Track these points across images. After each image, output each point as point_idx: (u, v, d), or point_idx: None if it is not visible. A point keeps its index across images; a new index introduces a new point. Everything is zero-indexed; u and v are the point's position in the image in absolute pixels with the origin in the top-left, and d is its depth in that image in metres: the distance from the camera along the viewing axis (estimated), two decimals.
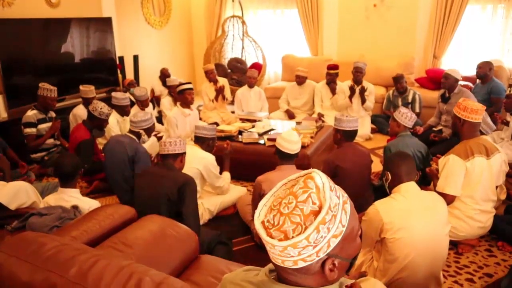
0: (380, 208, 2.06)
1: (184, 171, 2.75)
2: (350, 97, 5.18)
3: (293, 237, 0.85)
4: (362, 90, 5.13)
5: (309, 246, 0.85)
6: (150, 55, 6.95)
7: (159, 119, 5.53)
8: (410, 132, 3.37)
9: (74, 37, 5.28)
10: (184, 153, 2.73)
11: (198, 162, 3.06)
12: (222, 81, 5.69)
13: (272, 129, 4.34)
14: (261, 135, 4.14)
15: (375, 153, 4.67)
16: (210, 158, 3.17)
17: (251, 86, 5.51)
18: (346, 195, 0.93)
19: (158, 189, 2.51)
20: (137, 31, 6.66)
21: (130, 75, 6.32)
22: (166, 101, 5.45)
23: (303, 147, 3.29)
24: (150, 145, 4.00)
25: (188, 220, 2.38)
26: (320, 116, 5.27)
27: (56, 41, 5.07)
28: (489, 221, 2.74)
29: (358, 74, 5.12)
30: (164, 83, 5.91)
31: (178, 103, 4.40)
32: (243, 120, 4.84)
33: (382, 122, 5.41)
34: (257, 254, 2.79)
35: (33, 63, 4.74)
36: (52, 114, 4.33)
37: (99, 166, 3.68)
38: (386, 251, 2.05)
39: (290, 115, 5.55)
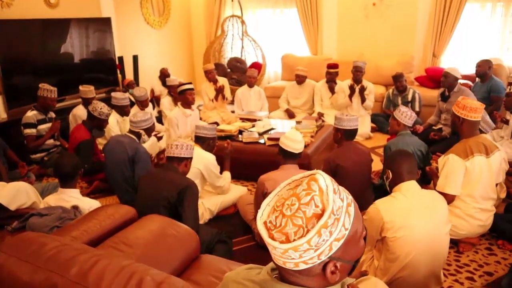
0: (381, 207, 2.06)
1: None
2: (350, 96, 5.18)
3: (294, 240, 0.84)
4: (362, 89, 5.13)
5: (310, 249, 0.84)
6: (150, 55, 6.95)
7: (159, 119, 5.53)
8: (410, 131, 3.37)
9: (73, 38, 5.28)
10: (191, 158, 2.69)
11: (199, 162, 3.06)
12: (222, 80, 5.69)
13: (272, 129, 4.35)
14: (261, 134, 4.14)
15: (375, 152, 4.67)
16: (211, 158, 3.17)
17: (251, 86, 5.51)
18: (350, 197, 0.92)
19: (158, 191, 2.50)
20: (136, 31, 6.66)
21: (129, 75, 6.32)
22: (166, 101, 5.45)
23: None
24: (150, 145, 4.00)
25: (187, 224, 2.37)
26: (320, 115, 5.27)
27: (56, 41, 5.07)
28: (489, 220, 2.74)
29: (357, 73, 5.12)
30: (163, 83, 5.90)
31: (179, 103, 4.40)
32: (243, 119, 4.84)
33: (382, 121, 5.41)
34: (257, 253, 2.79)
35: (33, 64, 4.74)
36: (52, 114, 4.33)
37: (99, 166, 3.69)
38: (386, 250, 2.05)
39: (290, 115, 5.55)
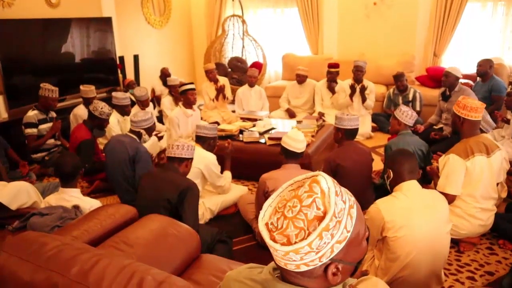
0: (382, 206, 2.06)
1: None
2: (351, 95, 5.17)
3: (295, 242, 0.84)
4: (363, 89, 5.12)
5: (312, 252, 0.84)
6: (151, 54, 6.95)
7: (160, 119, 5.53)
8: (410, 130, 3.36)
9: (74, 37, 5.28)
10: (191, 159, 2.69)
11: (199, 162, 3.06)
12: (223, 80, 5.69)
13: (273, 128, 4.34)
14: (262, 134, 4.14)
15: (376, 152, 4.66)
16: (211, 158, 3.17)
17: (251, 85, 5.51)
18: (353, 198, 0.92)
19: (159, 192, 2.50)
20: (137, 31, 6.66)
21: (130, 75, 6.32)
22: (166, 100, 5.45)
23: None
24: (150, 144, 4.00)
25: (187, 225, 2.37)
26: (321, 115, 5.26)
27: (56, 41, 5.07)
28: (490, 219, 2.74)
29: (358, 72, 5.12)
30: (164, 83, 5.91)
31: (180, 103, 4.40)
32: (243, 119, 4.83)
33: (383, 120, 5.41)
34: (258, 253, 2.79)
35: (34, 63, 4.74)
36: (53, 114, 4.33)
37: (100, 166, 3.69)
38: (387, 249, 2.05)
39: (291, 114, 5.54)
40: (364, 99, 5.16)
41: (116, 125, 4.31)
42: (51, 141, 4.25)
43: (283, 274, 0.96)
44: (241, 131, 4.23)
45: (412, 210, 2.04)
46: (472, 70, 5.17)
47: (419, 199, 2.10)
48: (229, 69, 7.19)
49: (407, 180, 2.14)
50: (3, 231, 2.37)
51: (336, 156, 3.04)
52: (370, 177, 3.25)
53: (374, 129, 5.39)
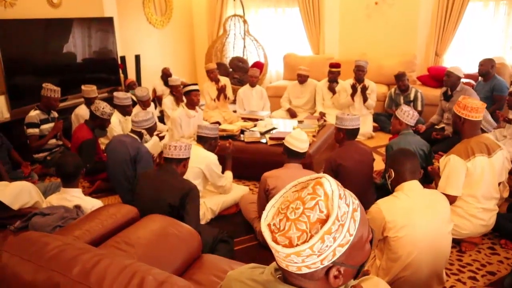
0: (383, 206, 2.06)
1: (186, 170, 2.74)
2: (352, 95, 5.17)
3: (297, 244, 0.83)
4: (364, 89, 5.12)
5: (313, 255, 0.84)
6: (152, 54, 6.95)
7: (161, 119, 5.53)
8: (412, 130, 3.36)
9: (76, 37, 5.29)
10: (188, 158, 2.68)
11: (200, 162, 3.07)
12: (224, 80, 5.69)
13: (274, 128, 4.34)
14: (263, 134, 4.14)
15: (377, 152, 4.66)
16: (212, 158, 3.17)
17: (252, 85, 5.51)
18: (357, 201, 0.91)
19: (160, 194, 2.48)
20: (138, 31, 6.66)
21: (131, 75, 6.33)
22: (168, 100, 5.45)
23: None
24: (152, 144, 3.99)
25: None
26: (322, 114, 5.26)
27: (58, 41, 5.08)
28: (492, 219, 2.73)
29: (359, 72, 5.12)
30: (165, 83, 5.91)
31: (182, 104, 4.41)
32: (245, 119, 4.83)
33: (384, 120, 5.40)
34: (259, 253, 2.79)
35: (35, 63, 4.75)
36: (55, 114, 4.34)
37: (101, 166, 3.69)
38: (388, 249, 2.05)
39: (292, 114, 5.54)
40: (365, 99, 5.16)
41: (118, 125, 4.32)
42: (53, 141, 4.26)
43: (285, 276, 0.96)
44: (242, 131, 4.23)
45: (413, 210, 2.03)
46: (474, 69, 5.15)
47: (421, 199, 2.10)
48: (230, 69, 7.19)
49: (409, 180, 2.14)
50: (5, 231, 2.38)
51: (337, 156, 3.04)
52: (371, 177, 3.24)
53: (375, 129, 5.38)
